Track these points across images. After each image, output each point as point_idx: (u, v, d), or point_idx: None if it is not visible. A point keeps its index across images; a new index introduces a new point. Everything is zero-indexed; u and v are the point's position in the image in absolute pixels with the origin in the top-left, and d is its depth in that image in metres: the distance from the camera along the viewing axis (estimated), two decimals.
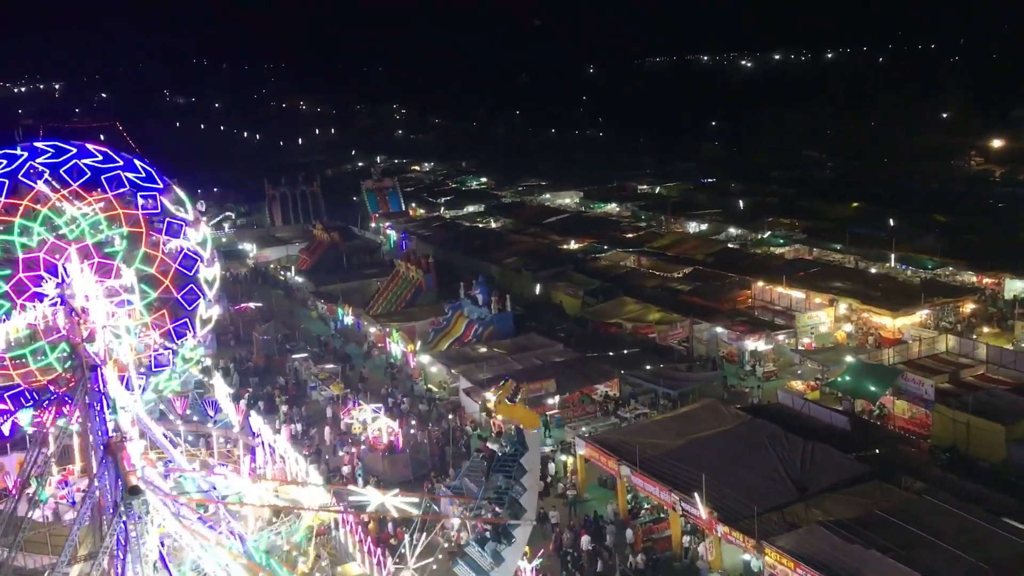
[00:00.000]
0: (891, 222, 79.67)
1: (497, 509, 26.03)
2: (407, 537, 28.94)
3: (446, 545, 31.78)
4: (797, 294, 63.18)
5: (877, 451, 39.03)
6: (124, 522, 19.82)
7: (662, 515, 38.26)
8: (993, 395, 44.22)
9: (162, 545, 21.02)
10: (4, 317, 36.57)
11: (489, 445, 34.46)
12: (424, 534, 29.63)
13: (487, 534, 26.63)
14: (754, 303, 65.13)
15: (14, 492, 29.49)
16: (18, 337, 36.60)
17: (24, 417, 34.93)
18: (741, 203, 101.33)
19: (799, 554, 30.32)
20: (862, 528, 31.24)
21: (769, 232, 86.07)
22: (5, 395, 36.32)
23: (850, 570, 28.98)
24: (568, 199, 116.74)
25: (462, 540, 33.66)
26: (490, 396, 37.77)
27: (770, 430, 40.06)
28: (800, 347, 57.25)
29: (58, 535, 29.21)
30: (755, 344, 56.70)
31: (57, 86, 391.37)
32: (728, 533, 33.34)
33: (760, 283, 66.35)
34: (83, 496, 25.24)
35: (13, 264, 36.94)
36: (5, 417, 34.02)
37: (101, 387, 24.80)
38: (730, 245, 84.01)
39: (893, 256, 71.70)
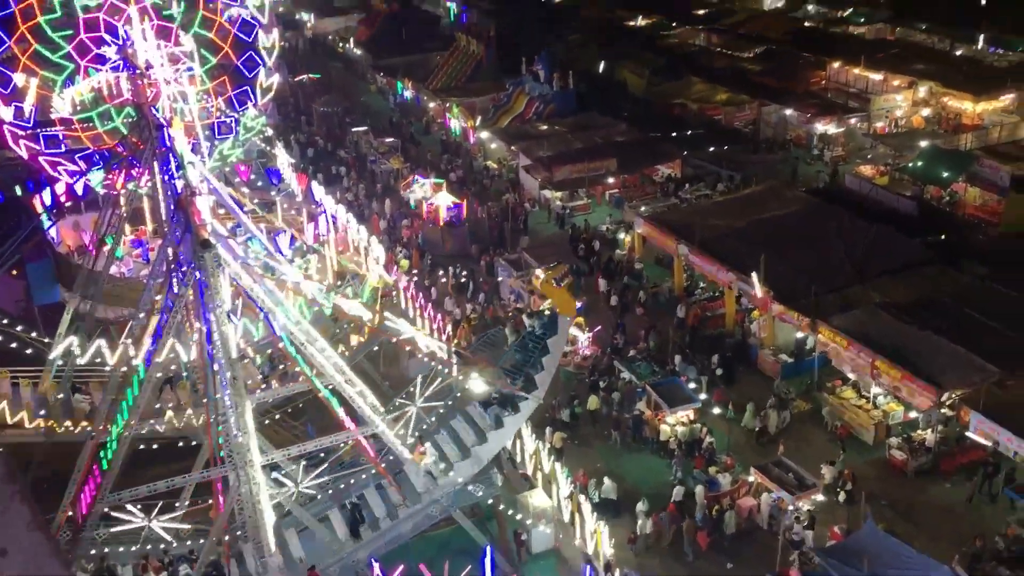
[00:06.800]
0: None
1: (511, 382, 25.29)
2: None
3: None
4: (875, 76, 60.13)
5: (943, 236, 38.43)
6: (201, 273, 20.52)
7: (717, 293, 38.69)
8: None
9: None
10: (68, 82, 36.62)
11: (524, 319, 33.94)
12: None
13: (493, 397, 25.95)
14: (828, 85, 62.39)
15: (91, 248, 30.65)
16: (83, 100, 36.75)
17: (95, 178, 35.68)
18: None
19: (853, 332, 30.66)
20: (920, 310, 31.32)
21: (851, 9, 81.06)
22: (76, 157, 36.97)
23: (904, 349, 29.28)
24: None
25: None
26: (539, 274, 37.19)
27: (834, 213, 39.45)
28: (873, 131, 55.25)
29: (135, 289, 30.54)
30: (825, 127, 54.86)
31: None
32: (783, 312, 33.65)
33: (836, 64, 63.12)
34: (157, 252, 26.11)
35: (74, 24, 36.52)
36: (77, 177, 34.80)
37: (169, 144, 24.97)
38: (807, 23, 79.71)
39: (981, 37, 67.27)
